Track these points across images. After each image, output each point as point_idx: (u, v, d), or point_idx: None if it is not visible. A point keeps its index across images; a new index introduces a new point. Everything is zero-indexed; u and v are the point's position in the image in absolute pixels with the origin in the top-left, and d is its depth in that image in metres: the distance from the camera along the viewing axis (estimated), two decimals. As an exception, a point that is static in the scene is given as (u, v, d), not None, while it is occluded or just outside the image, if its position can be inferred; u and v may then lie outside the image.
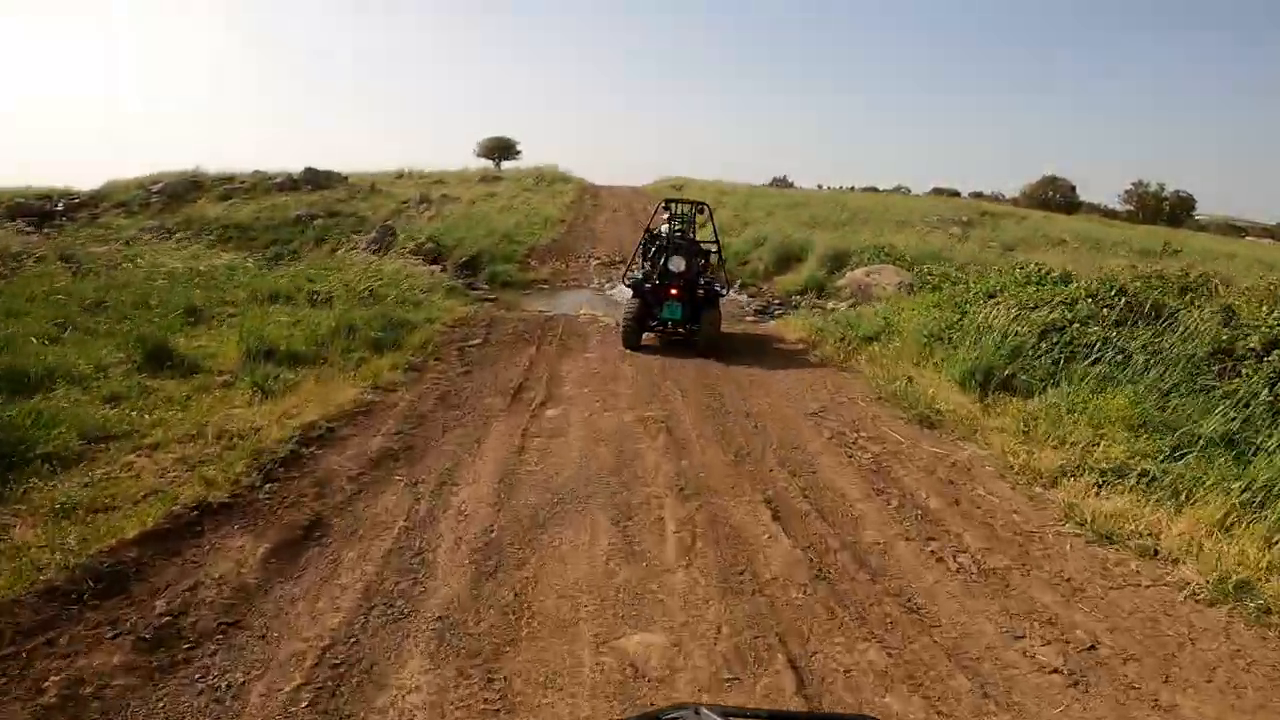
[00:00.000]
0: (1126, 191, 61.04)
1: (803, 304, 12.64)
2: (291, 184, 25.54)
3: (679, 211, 8.60)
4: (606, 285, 14.11)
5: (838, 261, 13.90)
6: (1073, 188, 56.10)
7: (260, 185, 26.04)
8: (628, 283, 8.12)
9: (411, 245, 15.86)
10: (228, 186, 26.10)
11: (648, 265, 8.32)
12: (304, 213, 21.88)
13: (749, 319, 11.25)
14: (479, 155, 37.26)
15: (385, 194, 24.89)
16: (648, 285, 7.75)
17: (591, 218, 22.62)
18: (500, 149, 37.23)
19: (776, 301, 12.70)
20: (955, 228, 22.10)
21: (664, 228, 8.50)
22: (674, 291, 7.56)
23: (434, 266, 14.13)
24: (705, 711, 0.76)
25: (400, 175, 31.48)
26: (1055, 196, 50.38)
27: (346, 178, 27.51)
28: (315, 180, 25.70)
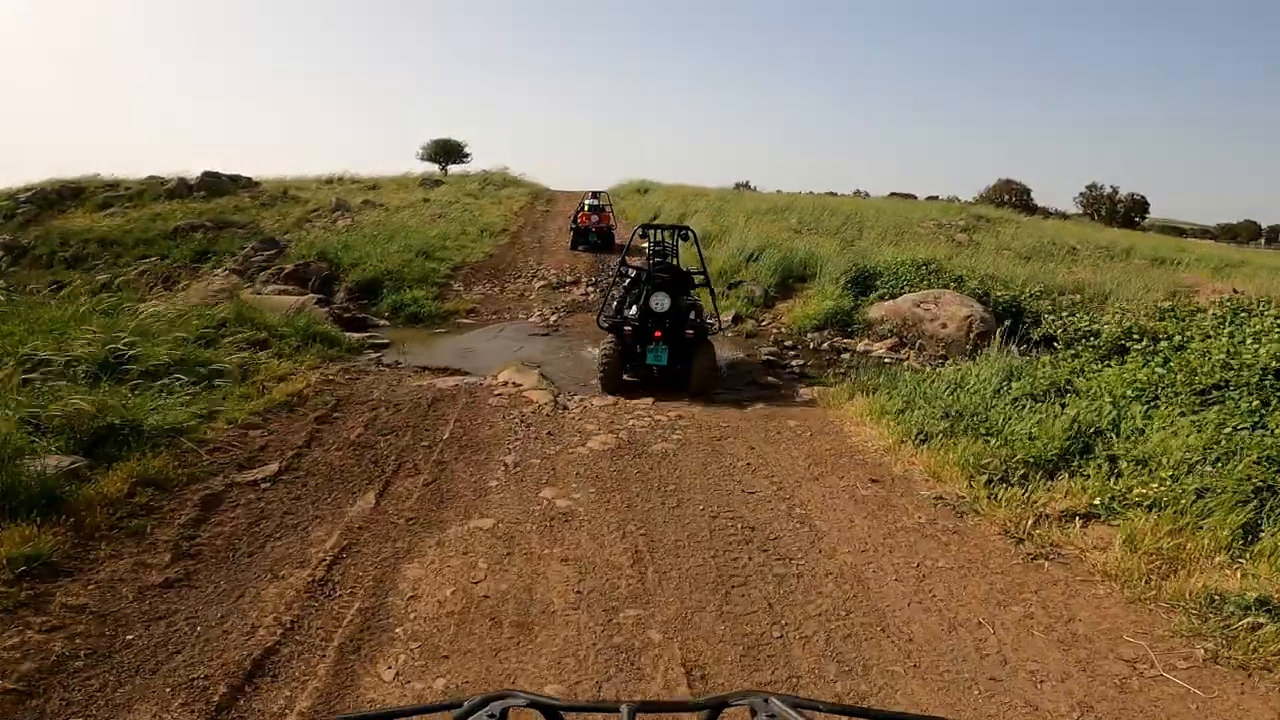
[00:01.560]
0: (1081, 194, 59.42)
1: (823, 343, 8.59)
2: (185, 190, 20.68)
3: (659, 238, 7.08)
4: (552, 317, 9.87)
5: (861, 283, 9.93)
6: (1027, 191, 54.02)
7: (149, 192, 21.14)
8: (604, 324, 6.51)
9: (290, 266, 11.39)
10: (110, 194, 21.16)
11: (623, 294, 6.83)
12: (186, 224, 17.11)
13: (765, 378, 7.04)
14: (423, 159, 32.56)
15: (298, 200, 20.19)
16: (628, 327, 6.03)
17: (542, 226, 18.30)
18: (446, 152, 32.53)
19: (789, 345, 8.55)
20: (960, 234, 18.44)
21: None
22: (658, 334, 5.90)
23: (310, 295, 9.70)
24: (775, 701, 0.63)
25: (331, 181, 26.78)
26: (1011, 200, 48.06)
27: (258, 183, 22.75)
28: (214, 185, 20.87)
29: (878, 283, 9.78)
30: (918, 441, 4.40)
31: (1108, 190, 58.33)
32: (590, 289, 11.26)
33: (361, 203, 19.34)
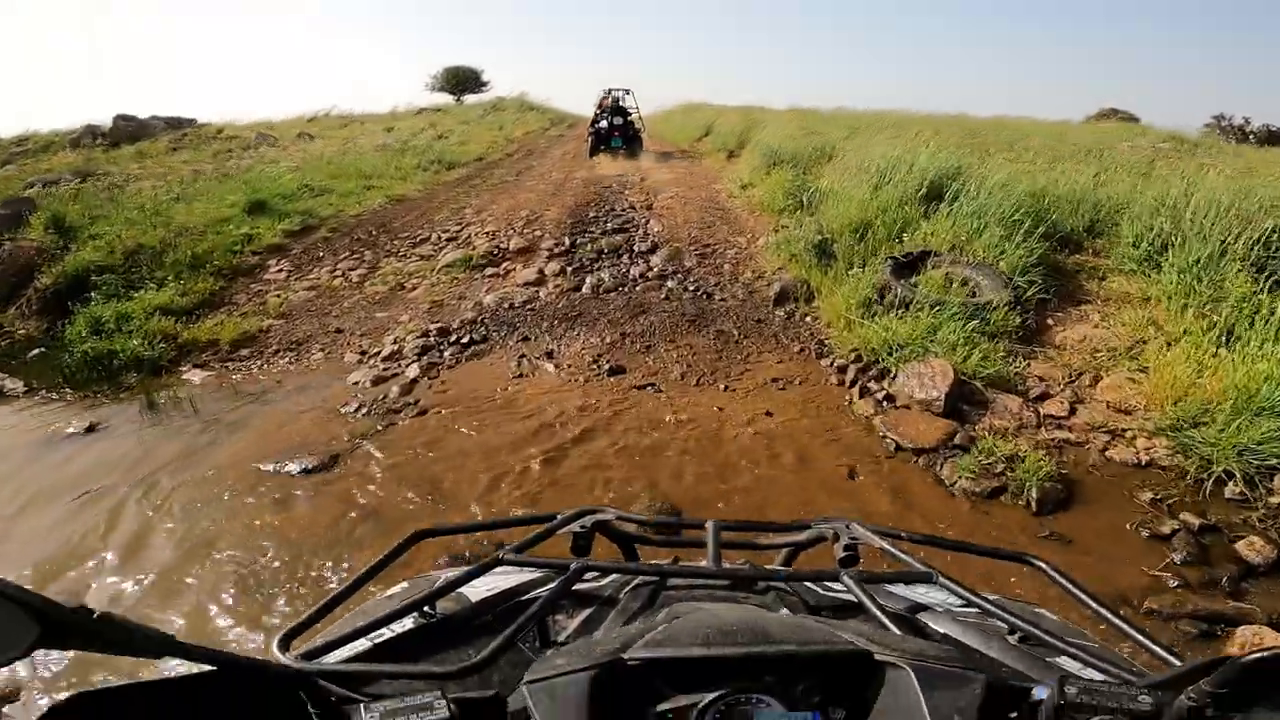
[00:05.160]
0: (1208, 125, 47.15)
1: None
2: (91, 138, 15.00)
3: (617, 93, 10.33)
4: (410, 369, 3.37)
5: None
6: (1134, 120, 42.77)
7: (57, 144, 15.62)
8: (590, 131, 9.83)
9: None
10: (16, 150, 15.77)
11: (604, 124, 9.72)
12: (42, 179, 11.33)
13: None
14: (435, 89, 25.73)
15: (223, 140, 14.12)
16: (603, 130, 9.61)
17: (541, 152, 11.53)
18: (460, 81, 25.65)
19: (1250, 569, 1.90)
20: (1206, 158, 10.53)
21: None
22: (616, 132, 9.57)
23: None
24: (855, 525, 0.64)
25: (314, 119, 20.75)
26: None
27: (198, 125, 16.88)
28: (127, 130, 15.04)
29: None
30: None
31: (1238, 120, 46.04)
32: (562, 264, 4.63)
33: (297, 135, 13.09)
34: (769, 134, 9.18)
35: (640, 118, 10.44)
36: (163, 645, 0.33)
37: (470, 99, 24.46)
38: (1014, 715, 0.39)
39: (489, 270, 4.71)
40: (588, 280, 4.31)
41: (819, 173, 6.37)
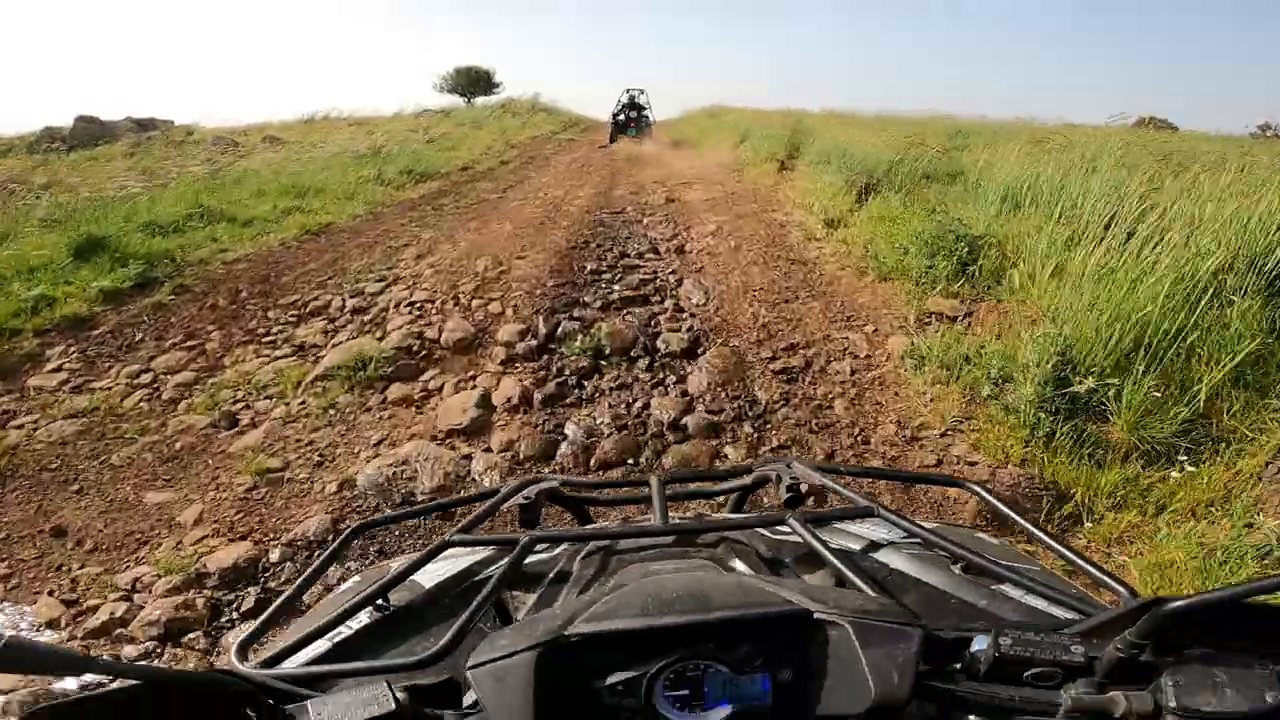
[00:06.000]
0: (1253, 135, 43.94)
1: None
2: (50, 141, 13.25)
3: (633, 92, 12.11)
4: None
5: None
6: (1174, 128, 39.69)
7: (16, 149, 13.98)
8: (611, 121, 12.01)
9: None
10: None
11: (622, 116, 11.92)
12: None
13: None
14: (445, 91, 23.81)
15: (190, 144, 12.26)
16: (620, 120, 11.80)
17: (545, 160, 9.46)
18: (472, 81, 23.68)
19: None
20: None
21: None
22: (631, 123, 11.71)
23: None
24: (796, 465, 0.65)
25: (309, 121, 19.00)
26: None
27: (171, 126, 15.12)
28: (86, 133, 13.27)
29: None
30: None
31: (1287, 130, 42.75)
32: (527, 382, 2.53)
33: (263, 140, 11.18)
34: (831, 141, 7.00)
35: (651, 111, 12.52)
36: (84, 664, 0.32)
37: (480, 101, 22.54)
38: (956, 666, 0.38)
39: (393, 390, 2.59)
40: (569, 431, 2.17)
41: (939, 200, 4.17)
